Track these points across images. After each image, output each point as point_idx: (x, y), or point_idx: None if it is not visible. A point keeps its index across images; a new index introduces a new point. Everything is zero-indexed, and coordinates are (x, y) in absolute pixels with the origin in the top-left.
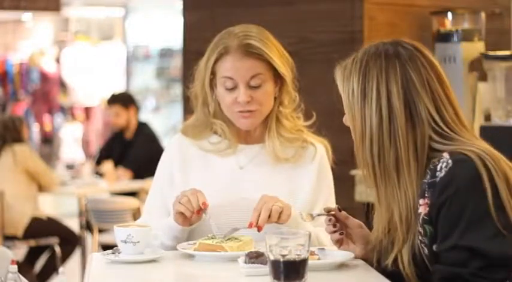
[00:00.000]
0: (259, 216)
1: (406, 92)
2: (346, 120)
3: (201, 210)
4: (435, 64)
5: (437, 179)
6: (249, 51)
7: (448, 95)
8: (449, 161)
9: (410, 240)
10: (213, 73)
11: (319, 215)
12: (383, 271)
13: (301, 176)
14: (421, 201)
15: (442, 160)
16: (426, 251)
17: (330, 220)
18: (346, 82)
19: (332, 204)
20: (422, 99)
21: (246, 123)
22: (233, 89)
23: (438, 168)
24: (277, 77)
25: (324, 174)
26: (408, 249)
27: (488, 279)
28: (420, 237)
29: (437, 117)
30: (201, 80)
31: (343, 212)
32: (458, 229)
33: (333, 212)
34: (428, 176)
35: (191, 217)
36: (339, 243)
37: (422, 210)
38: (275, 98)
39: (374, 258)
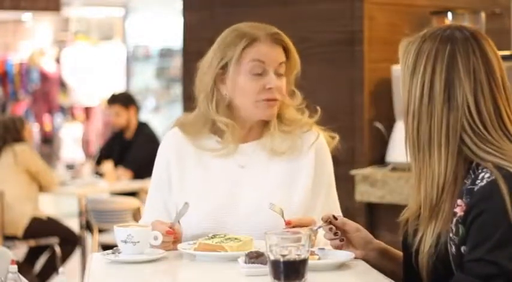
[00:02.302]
0: (296, 225)
1: (449, 74)
2: None
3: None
4: (488, 55)
5: (476, 187)
6: (278, 39)
7: (495, 90)
8: (493, 174)
9: (434, 225)
10: (239, 63)
11: (319, 227)
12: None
13: (299, 166)
14: (459, 201)
15: (485, 170)
16: (454, 249)
17: (330, 229)
18: (404, 55)
19: (334, 193)
20: (463, 86)
21: (271, 112)
22: (261, 75)
23: (480, 177)
24: None
25: (322, 162)
26: (432, 236)
27: None
28: (451, 235)
29: (473, 108)
30: (211, 73)
31: (339, 219)
32: (489, 243)
33: (329, 220)
34: (469, 181)
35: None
36: (339, 249)
37: (459, 211)
38: None
39: (401, 236)
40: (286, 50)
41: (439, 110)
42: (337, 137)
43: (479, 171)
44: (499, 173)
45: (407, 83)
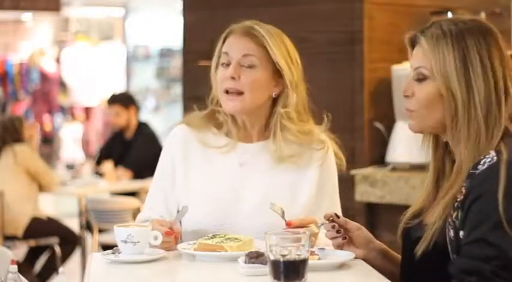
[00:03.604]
0: (297, 226)
1: (502, 62)
2: (410, 90)
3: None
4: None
5: (477, 171)
6: (249, 32)
7: None
8: (494, 158)
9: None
10: (217, 58)
11: (322, 224)
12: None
13: (303, 178)
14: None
15: (487, 155)
16: (452, 233)
17: (333, 227)
18: (436, 50)
19: (337, 204)
20: (510, 72)
21: (231, 106)
22: (227, 65)
23: (482, 162)
24: (279, 76)
25: (327, 175)
26: (442, 219)
27: (507, 280)
28: (450, 219)
29: None
30: (212, 66)
31: (341, 218)
32: (487, 224)
33: (331, 219)
34: (471, 166)
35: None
36: (340, 248)
37: (459, 195)
38: (275, 99)
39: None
40: (261, 45)
41: (502, 101)
42: (344, 162)
43: (482, 156)
44: (501, 157)
45: (461, 78)
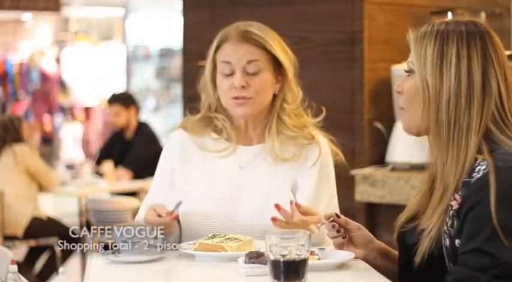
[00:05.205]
0: (289, 217)
1: (483, 61)
2: (400, 85)
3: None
4: (502, 50)
5: (473, 179)
6: (247, 37)
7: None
8: (488, 166)
9: (438, 217)
10: (215, 64)
11: (322, 224)
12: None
13: (302, 177)
14: (455, 195)
15: (482, 163)
16: (448, 242)
17: (333, 226)
18: (420, 44)
19: (335, 203)
20: (496, 73)
21: (241, 111)
22: (230, 75)
23: (476, 169)
24: (278, 74)
25: (325, 174)
26: (437, 227)
27: None
28: (445, 228)
29: (504, 96)
30: (205, 74)
31: (342, 217)
32: (483, 233)
33: (332, 219)
34: (466, 174)
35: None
36: (340, 247)
37: (454, 203)
38: (275, 96)
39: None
40: (262, 47)
41: (479, 96)
42: (341, 155)
43: (476, 164)
44: (493, 164)
45: (435, 72)
